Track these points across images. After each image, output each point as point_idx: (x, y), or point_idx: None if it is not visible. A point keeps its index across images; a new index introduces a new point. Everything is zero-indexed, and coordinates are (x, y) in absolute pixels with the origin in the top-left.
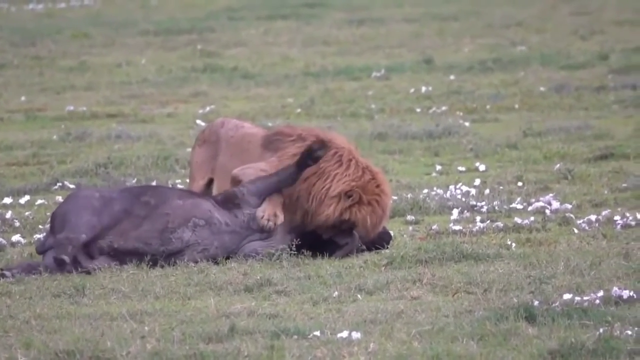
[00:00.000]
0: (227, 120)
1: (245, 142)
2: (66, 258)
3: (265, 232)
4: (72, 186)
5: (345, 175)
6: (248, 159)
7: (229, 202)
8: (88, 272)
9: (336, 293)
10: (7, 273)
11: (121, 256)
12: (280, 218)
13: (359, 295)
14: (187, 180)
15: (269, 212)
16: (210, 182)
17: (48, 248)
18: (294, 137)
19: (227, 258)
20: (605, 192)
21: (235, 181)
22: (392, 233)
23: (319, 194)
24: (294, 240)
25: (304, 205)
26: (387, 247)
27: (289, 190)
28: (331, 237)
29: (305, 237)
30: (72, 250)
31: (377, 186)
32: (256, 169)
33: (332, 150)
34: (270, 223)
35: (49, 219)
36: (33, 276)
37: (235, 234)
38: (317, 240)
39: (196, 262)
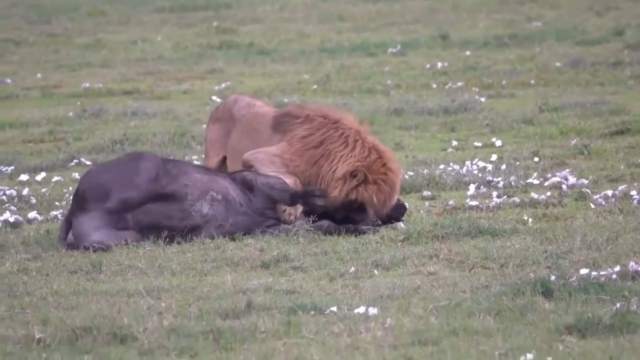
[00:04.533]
0: (240, 97)
1: (255, 121)
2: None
3: (284, 222)
4: (88, 162)
5: (351, 156)
6: (257, 139)
7: (245, 184)
8: (104, 249)
9: (353, 269)
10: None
11: (144, 231)
12: (300, 208)
13: (375, 271)
14: (203, 157)
15: (290, 207)
16: (224, 160)
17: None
18: (302, 118)
19: (244, 234)
20: (622, 167)
21: (247, 165)
22: (406, 204)
23: (326, 176)
24: (311, 217)
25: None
26: (402, 220)
27: (301, 175)
28: (345, 215)
29: (320, 217)
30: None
31: (384, 165)
32: (268, 153)
33: (339, 131)
34: (292, 217)
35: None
36: (50, 253)
37: (247, 217)
38: (332, 220)
39: (213, 238)
